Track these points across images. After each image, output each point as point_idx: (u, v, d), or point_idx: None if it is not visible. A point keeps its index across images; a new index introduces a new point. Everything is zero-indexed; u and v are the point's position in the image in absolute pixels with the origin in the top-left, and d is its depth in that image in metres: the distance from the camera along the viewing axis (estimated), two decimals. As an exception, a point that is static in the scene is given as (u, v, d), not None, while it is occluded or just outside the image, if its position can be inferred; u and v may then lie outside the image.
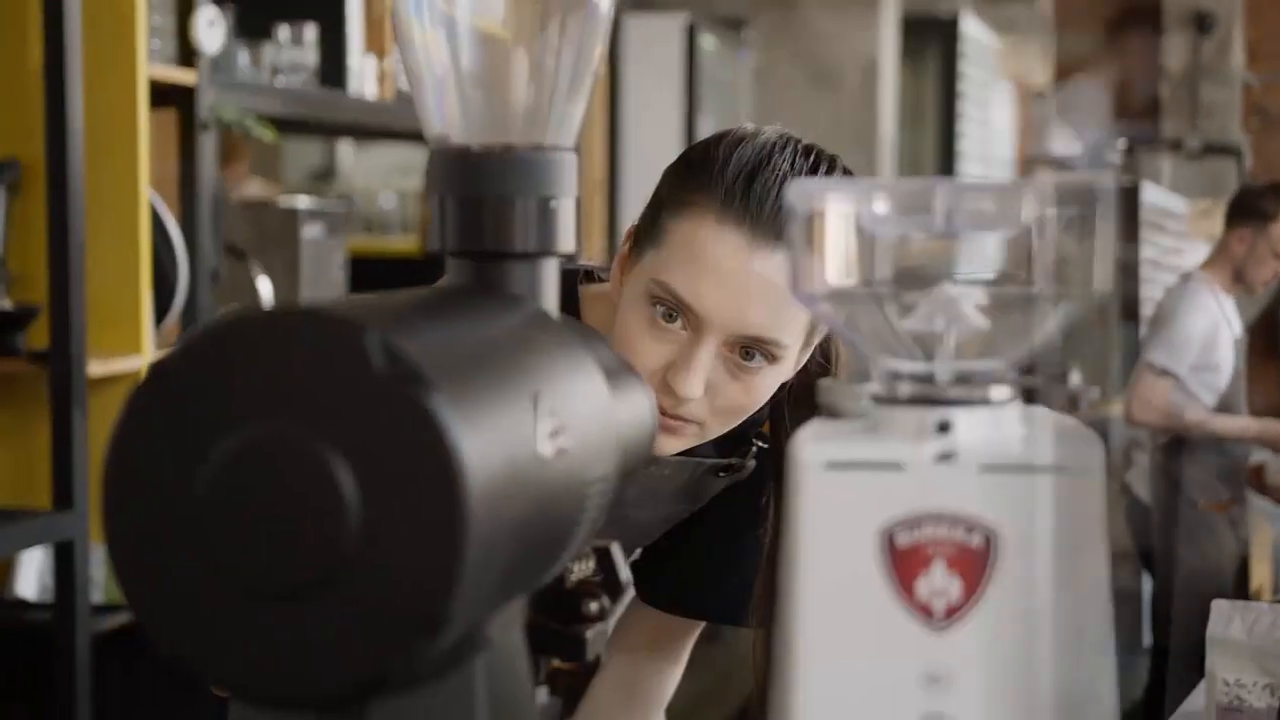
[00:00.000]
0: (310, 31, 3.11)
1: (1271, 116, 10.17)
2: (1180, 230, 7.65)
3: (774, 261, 1.23)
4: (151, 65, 2.60)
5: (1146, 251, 6.71)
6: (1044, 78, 9.52)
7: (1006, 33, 8.82)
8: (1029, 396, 0.72)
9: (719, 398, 1.28)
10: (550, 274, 0.79)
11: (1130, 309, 6.67)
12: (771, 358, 1.27)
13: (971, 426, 0.68)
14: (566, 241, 0.79)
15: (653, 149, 5.44)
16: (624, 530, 1.37)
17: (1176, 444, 4.33)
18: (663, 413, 1.27)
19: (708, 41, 6.07)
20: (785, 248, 1.20)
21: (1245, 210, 4.36)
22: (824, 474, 0.68)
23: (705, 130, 6.50)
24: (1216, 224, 8.66)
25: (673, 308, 1.25)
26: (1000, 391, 0.70)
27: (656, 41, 5.63)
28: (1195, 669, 4.58)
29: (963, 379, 0.70)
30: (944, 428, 0.68)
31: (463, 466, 0.60)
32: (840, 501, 0.68)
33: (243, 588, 0.61)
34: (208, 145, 2.73)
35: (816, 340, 1.35)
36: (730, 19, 7.78)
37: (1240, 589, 4.31)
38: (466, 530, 0.60)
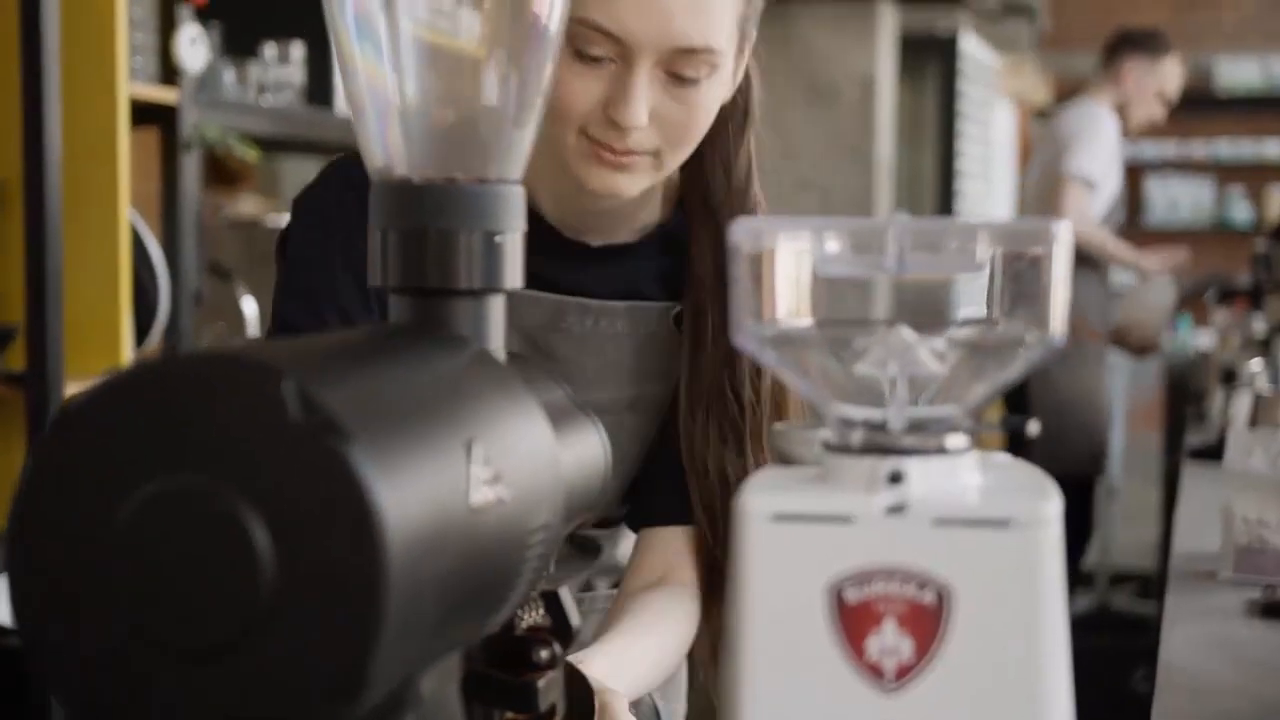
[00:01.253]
0: (297, 50, 3.08)
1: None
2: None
3: None
4: (133, 84, 2.57)
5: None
6: (1044, 96, 9.50)
7: (1007, 51, 8.80)
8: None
9: (665, 123, 1.24)
10: (496, 311, 0.76)
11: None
12: (708, 67, 1.23)
13: (925, 477, 0.66)
14: (514, 277, 0.76)
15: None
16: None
17: None
18: (612, 150, 1.24)
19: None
20: None
21: (1137, 45, 4.53)
22: (770, 526, 0.65)
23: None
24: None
25: (596, 43, 1.21)
26: (956, 440, 0.67)
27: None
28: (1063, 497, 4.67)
29: (917, 425, 0.67)
30: (896, 478, 0.65)
31: (381, 520, 0.57)
32: (787, 555, 0.65)
33: (153, 644, 0.58)
34: (190, 165, 2.70)
35: (748, 49, 1.32)
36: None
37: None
38: (386, 587, 0.57)
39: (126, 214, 2.51)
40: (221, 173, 3.67)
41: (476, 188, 0.75)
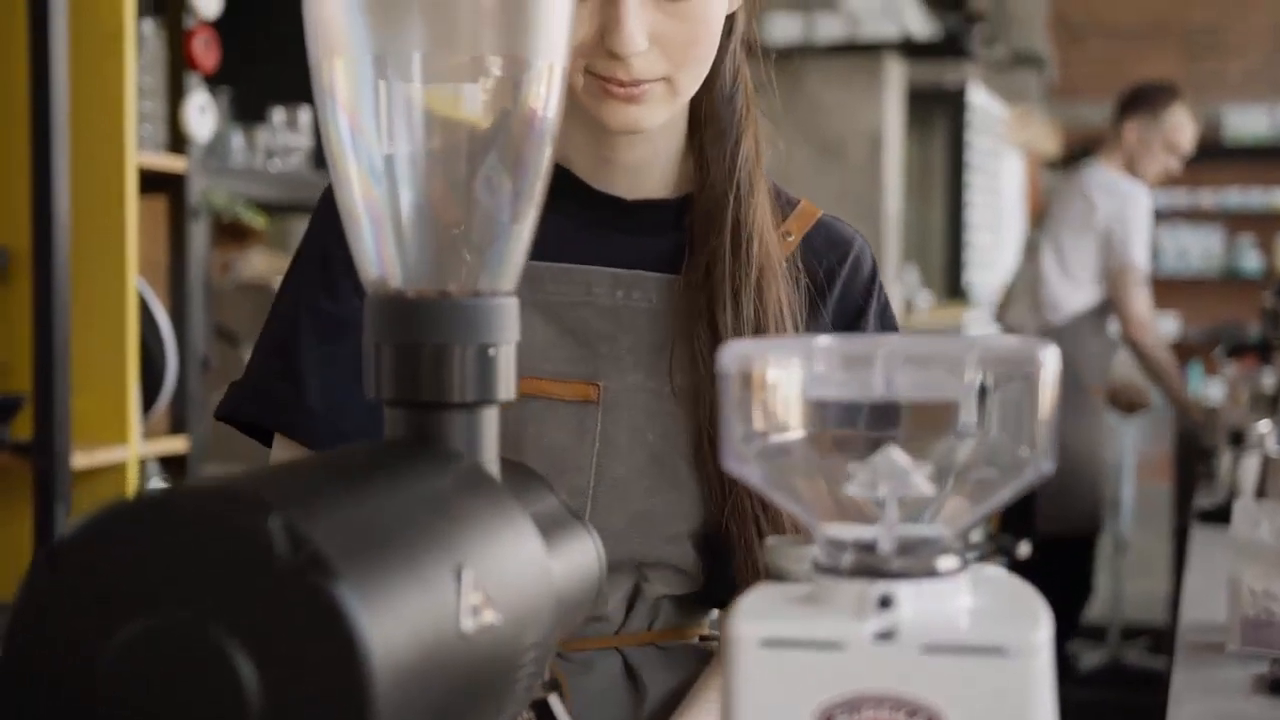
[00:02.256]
0: (305, 115, 3.10)
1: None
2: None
3: None
4: (142, 152, 2.58)
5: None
6: (1053, 146, 9.53)
7: (1015, 102, 8.83)
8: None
9: (667, 44, 1.18)
10: (490, 423, 0.76)
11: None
12: None
13: (915, 600, 0.65)
14: (507, 389, 0.76)
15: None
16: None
17: (1072, 328, 4.44)
18: (620, 83, 1.17)
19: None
20: None
21: (1138, 102, 4.56)
22: (760, 651, 0.65)
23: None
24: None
25: None
26: (947, 561, 0.67)
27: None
28: (1060, 555, 4.61)
29: (907, 547, 0.67)
30: (885, 603, 0.65)
31: (368, 658, 0.57)
32: (778, 681, 0.65)
33: (141, 781, 0.58)
34: (198, 232, 2.71)
35: None
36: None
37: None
38: (373, 724, 0.57)
39: (134, 282, 2.52)
40: (231, 229, 3.69)
41: (470, 301, 0.75)
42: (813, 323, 1.28)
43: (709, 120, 1.28)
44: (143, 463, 2.65)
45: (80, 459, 2.42)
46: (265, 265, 3.83)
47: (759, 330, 1.21)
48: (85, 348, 2.47)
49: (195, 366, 2.71)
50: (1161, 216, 10.23)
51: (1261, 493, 2.84)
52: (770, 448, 0.69)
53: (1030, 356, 0.65)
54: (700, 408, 1.24)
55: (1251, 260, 10.19)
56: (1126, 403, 4.92)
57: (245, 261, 3.67)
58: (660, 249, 1.28)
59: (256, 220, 2.83)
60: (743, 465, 0.68)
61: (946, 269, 7.46)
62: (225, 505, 0.59)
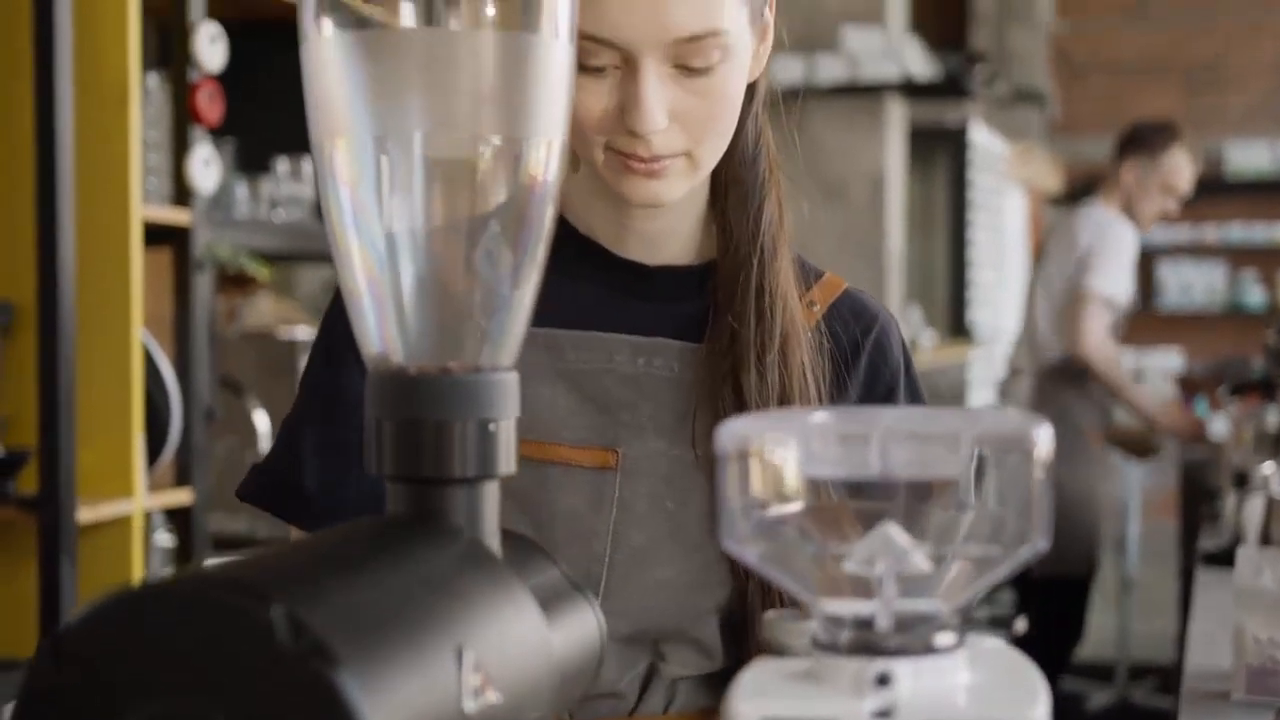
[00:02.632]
0: (308, 164, 3.11)
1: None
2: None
3: None
4: (147, 206, 2.60)
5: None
6: (1055, 182, 9.56)
7: (1017, 139, 8.86)
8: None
9: (687, 119, 1.16)
10: (491, 497, 0.77)
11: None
12: (719, 51, 1.15)
13: (913, 677, 0.66)
14: (508, 463, 0.77)
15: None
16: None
17: (1064, 372, 4.42)
18: (640, 159, 1.16)
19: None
20: None
21: (1135, 143, 4.55)
22: (760, 730, 0.65)
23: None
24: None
25: (595, 54, 1.13)
26: (944, 638, 0.68)
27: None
28: (1053, 596, 4.61)
29: (905, 623, 0.68)
30: (884, 681, 0.66)
31: (370, 746, 0.57)
32: (776, 760, 0.65)
33: None
34: (202, 284, 2.72)
35: (770, 16, 1.24)
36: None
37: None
38: (375, 812, 0.57)
39: (139, 335, 2.53)
40: (236, 276, 3.70)
41: (471, 377, 0.76)
42: (838, 394, 1.26)
43: (732, 185, 1.27)
44: (148, 515, 2.66)
45: (85, 513, 2.42)
46: (271, 311, 3.85)
47: (784, 397, 1.20)
48: (90, 401, 2.47)
49: (200, 418, 2.72)
50: (1164, 251, 10.25)
51: (1267, 535, 2.84)
52: (767, 525, 0.69)
53: (1024, 435, 0.66)
54: None
55: (1255, 295, 10.20)
56: (1133, 447, 4.93)
57: (251, 307, 3.68)
58: (682, 315, 1.27)
59: (260, 272, 2.85)
60: (741, 544, 0.69)
61: (950, 307, 7.47)
62: (227, 594, 0.59)
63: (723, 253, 1.27)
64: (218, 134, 2.84)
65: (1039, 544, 0.67)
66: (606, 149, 1.18)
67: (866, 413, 0.72)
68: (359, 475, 1.20)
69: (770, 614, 0.76)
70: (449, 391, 0.75)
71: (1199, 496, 4.69)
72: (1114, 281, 4.37)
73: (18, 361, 2.46)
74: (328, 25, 0.76)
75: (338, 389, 1.25)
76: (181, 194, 2.71)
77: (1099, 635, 6.24)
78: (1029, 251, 9.40)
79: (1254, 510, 2.90)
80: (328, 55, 0.76)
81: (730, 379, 1.22)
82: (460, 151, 0.77)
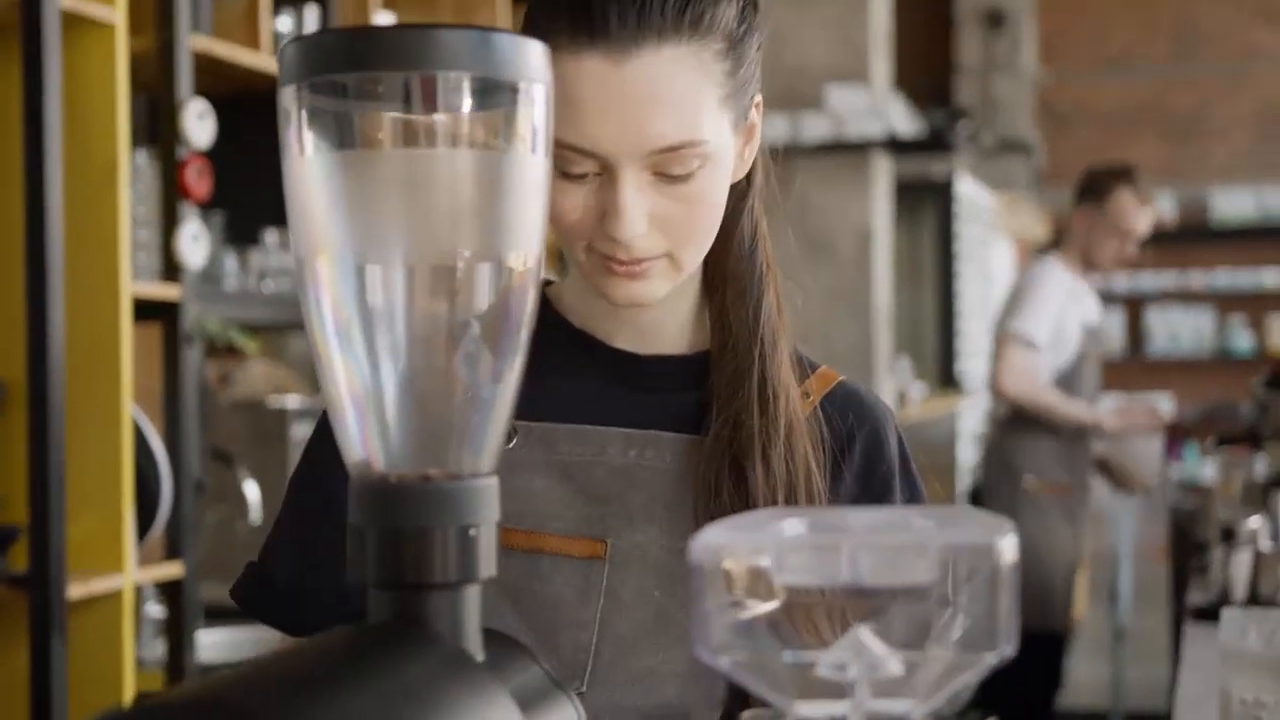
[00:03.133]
0: (298, 235, 3.12)
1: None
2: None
3: (651, 60, 1.13)
4: (136, 282, 2.62)
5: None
6: (1042, 232, 9.61)
7: (1004, 189, 8.91)
8: None
9: (667, 224, 1.16)
10: (472, 601, 0.78)
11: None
12: (698, 159, 1.15)
13: (886, 781, 0.67)
14: (488, 566, 0.78)
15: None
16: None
17: (1014, 422, 4.41)
18: (620, 262, 1.17)
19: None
20: (660, 37, 1.12)
21: (1085, 190, 4.56)
22: (735, 837, 0.67)
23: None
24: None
25: (575, 161, 1.14)
26: (916, 740, 0.69)
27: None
28: (1025, 649, 4.56)
29: (878, 727, 0.69)
30: (857, 783, 0.67)
31: None
32: None
33: None
34: (191, 358, 2.74)
35: (756, 117, 1.24)
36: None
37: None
38: None
39: (129, 410, 2.54)
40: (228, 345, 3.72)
41: (451, 485, 0.78)
42: (836, 484, 1.27)
43: (730, 279, 1.28)
44: (139, 589, 2.66)
45: (76, 589, 2.43)
46: (264, 377, 3.87)
47: (791, 488, 1.21)
48: (81, 477, 2.49)
49: (190, 491, 2.73)
50: (1152, 298, 10.31)
51: (1254, 590, 2.85)
52: (741, 632, 0.71)
53: (990, 547, 0.68)
54: None
55: (1243, 340, 10.25)
56: (1128, 486, 4.93)
57: (244, 373, 3.70)
58: (676, 406, 1.28)
59: (249, 345, 2.87)
60: (715, 652, 0.70)
61: (939, 358, 7.50)
62: (207, 715, 0.61)
63: (721, 346, 1.28)
64: (206, 208, 2.86)
65: (1005, 649, 0.69)
66: (588, 250, 1.19)
67: (838, 518, 0.74)
68: (338, 579, 1.21)
69: (747, 714, 0.77)
70: (429, 499, 0.77)
71: (1189, 546, 4.70)
72: (1033, 322, 4.36)
73: (8, 438, 2.47)
74: (309, 144, 0.78)
75: (320, 494, 1.27)
76: (171, 269, 2.73)
77: (1093, 684, 6.24)
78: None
79: (1241, 565, 2.91)
80: (309, 174, 0.78)
81: (734, 471, 1.23)
82: (440, 266, 0.79)
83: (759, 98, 1.25)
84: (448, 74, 0.76)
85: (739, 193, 1.26)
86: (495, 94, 0.78)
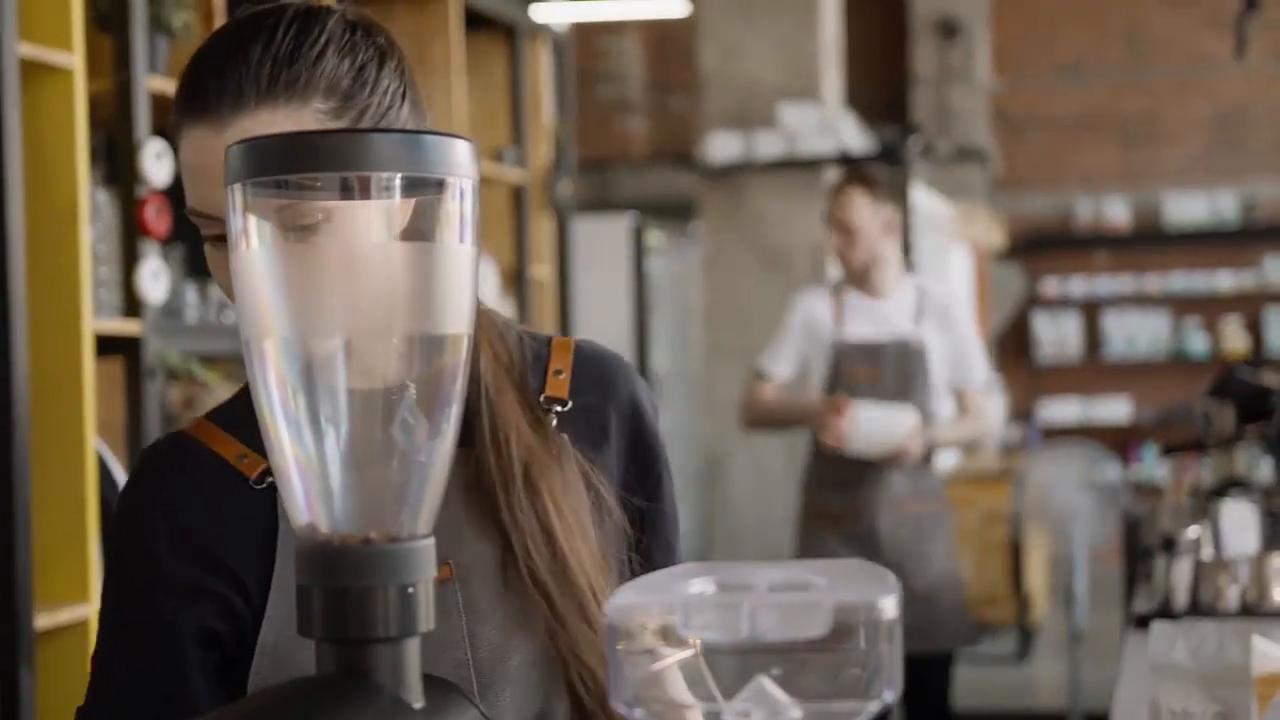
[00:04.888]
0: (257, 264, 3.17)
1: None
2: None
3: (248, 125, 1.19)
4: (97, 318, 2.67)
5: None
6: (999, 239, 9.72)
7: (960, 197, 9.01)
8: None
9: None
10: (412, 652, 0.85)
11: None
12: (324, 213, 1.15)
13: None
14: (426, 620, 0.85)
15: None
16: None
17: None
18: None
19: (654, 237, 6.24)
20: (256, 103, 1.18)
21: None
22: None
23: (656, 324, 6.64)
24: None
25: (206, 224, 1.21)
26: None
27: (605, 240, 5.79)
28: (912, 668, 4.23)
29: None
30: (757, 821, 0.74)
31: None
32: None
33: None
34: (153, 391, 2.80)
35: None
36: (678, 209, 7.96)
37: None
38: None
39: (93, 444, 2.60)
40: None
41: (391, 547, 0.85)
42: (600, 460, 1.34)
43: None
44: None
45: (43, 619, 2.48)
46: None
47: (545, 526, 1.28)
48: (46, 509, 2.54)
49: (154, 520, 2.78)
50: (1109, 302, 10.43)
51: (1194, 598, 2.93)
52: (651, 685, 0.78)
53: (873, 604, 0.75)
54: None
55: (1198, 343, 10.38)
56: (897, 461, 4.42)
57: (209, 395, 3.75)
58: None
59: (210, 377, 2.93)
60: (629, 705, 0.78)
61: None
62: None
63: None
64: (166, 241, 2.92)
65: (887, 696, 0.76)
66: None
67: (743, 576, 0.81)
68: (180, 703, 1.25)
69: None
70: (371, 560, 0.84)
71: (1138, 551, 4.78)
72: (769, 356, 4.32)
73: (-26, 474, 2.53)
74: (254, 237, 0.85)
75: (140, 622, 1.27)
76: (132, 305, 2.78)
77: (1052, 684, 6.33)
78: (977, 309, 9.54)
79: (1181, 574, 2.99)
80: (255, 264, 0.85)
81: (492, 514, 1.29)
82: (377, 345, 0.86)
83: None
84: (380, 174, 0.83)
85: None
86: (424, 189, 0.85)
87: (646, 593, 0.78)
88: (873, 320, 4.29)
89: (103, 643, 1.30)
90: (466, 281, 0.87)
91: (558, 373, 1.36)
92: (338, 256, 0.88)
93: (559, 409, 1.34)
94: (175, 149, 1.26)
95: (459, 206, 0.85)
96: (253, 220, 0.86)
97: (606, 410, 1.37)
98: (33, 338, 2.50)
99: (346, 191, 0.85)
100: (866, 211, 4.23)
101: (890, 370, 4.26)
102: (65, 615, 2.53)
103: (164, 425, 2.83)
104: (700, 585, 0.79)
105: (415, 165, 0.84)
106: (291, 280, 0.86)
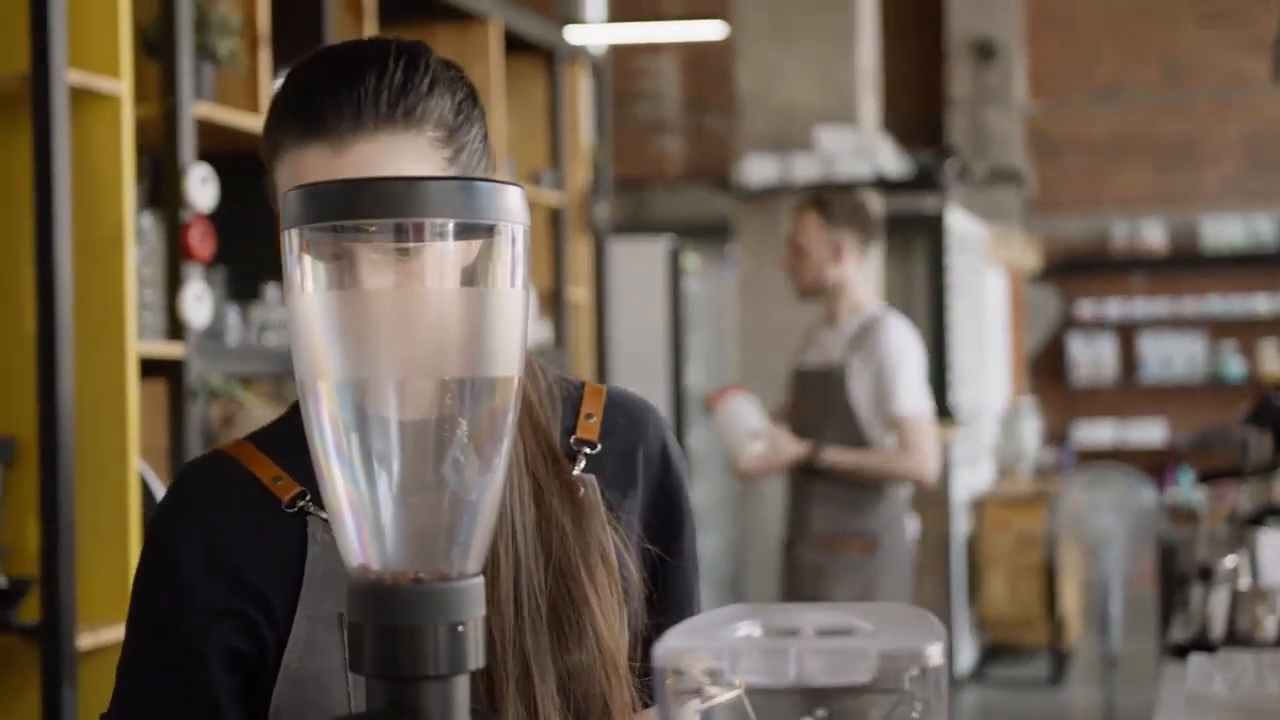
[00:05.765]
0: (298, 288, 3.20)
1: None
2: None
3: (368, 148, 1.21)
4: (142, 341, 2.70)
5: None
6: (1034, 260, 9.70)
7: (995, 217, 9.00)
8: None
9: None
10: (461, 689, 0.87)
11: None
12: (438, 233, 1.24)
13: None
14: (476, 659, 0.87)
15: (643, 369, 5.59)
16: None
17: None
18: None
19: (691, 260, 6.25)
20: (375, 127, 1.20)
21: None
22: None
23: (692, 345, 6.66)
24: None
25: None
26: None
27: (642, 262, 5.81)
28: None
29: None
30: None
31: None
32: None
33: None
34: (195, 413, 2.83)
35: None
36: (713, 230, 7.96)
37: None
38: None
39: (136, 466, 2.63)
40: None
41: (441, 586, 0.86)
42: (626, 504, 1.35)
43: None
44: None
45: (86, 639, 2.51)
46: (265, 421, 3.93)
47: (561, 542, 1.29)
48: (90, 530, 2.57)
49: (195, 541, 2.80)
50: (1145, 325, 10.39)
51: (1231, 628, 2.92)
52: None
53: (919, 652, 0.76)
54: None
55: (1235, 366, 10.33)
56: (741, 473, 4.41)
57: (246, 416, 3.77)
58: None
59: (248, 398, 2.95)
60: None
61: (932, 390, 7.56)
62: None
63: None
64: (209, 265, 2.95)
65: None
66: None
67: (788, 619, 0.82)
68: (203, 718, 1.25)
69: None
70: (422, 599, 0.86)
71: (1174, 576, 4.75)
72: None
73: (19, 494, 2.56)
74: (309, 280, 0.87)
75: (167, 636, 1.28)
76: (175, 328, 2.82)
77: (1085, 710, 6.31)
78: (1010, 330, 9.52)
79: (1218, 604, 2.98)
80: (310, 307, 0.87)
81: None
82: (428, 387, 0.88)
83: None
84: (434, 220, 0.85)
85: None
86: (476, 234, 0.87)
87: (694, 637, 0.79)
88: (821, 349, 4.25)
89: (129, 654, 1.31)
90: (517, 324, 0.89)
91: (589, 416, 1.37)
92: (391, 300, 0.89)
93: (589, 451, 1.35)
94: (270, 168, 1.27)
95: (510, 251, 0.87)
96: (308, 263, 0.87)
97: (635, 456, 1.38)
98: (78, 360, 2.54)
99: (401, 237, 0.86)
100: (818, 234, 4.17)
101: (813, 398, 4.20)
102: (108, 635, 2.55)
103: (205, 446, 2.86)
104: (746, 629, 0.81)
105: (468, 211, 0.86)
106: (346, 324, 0.87)
